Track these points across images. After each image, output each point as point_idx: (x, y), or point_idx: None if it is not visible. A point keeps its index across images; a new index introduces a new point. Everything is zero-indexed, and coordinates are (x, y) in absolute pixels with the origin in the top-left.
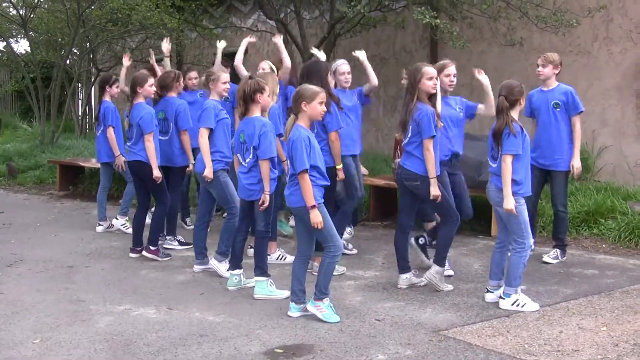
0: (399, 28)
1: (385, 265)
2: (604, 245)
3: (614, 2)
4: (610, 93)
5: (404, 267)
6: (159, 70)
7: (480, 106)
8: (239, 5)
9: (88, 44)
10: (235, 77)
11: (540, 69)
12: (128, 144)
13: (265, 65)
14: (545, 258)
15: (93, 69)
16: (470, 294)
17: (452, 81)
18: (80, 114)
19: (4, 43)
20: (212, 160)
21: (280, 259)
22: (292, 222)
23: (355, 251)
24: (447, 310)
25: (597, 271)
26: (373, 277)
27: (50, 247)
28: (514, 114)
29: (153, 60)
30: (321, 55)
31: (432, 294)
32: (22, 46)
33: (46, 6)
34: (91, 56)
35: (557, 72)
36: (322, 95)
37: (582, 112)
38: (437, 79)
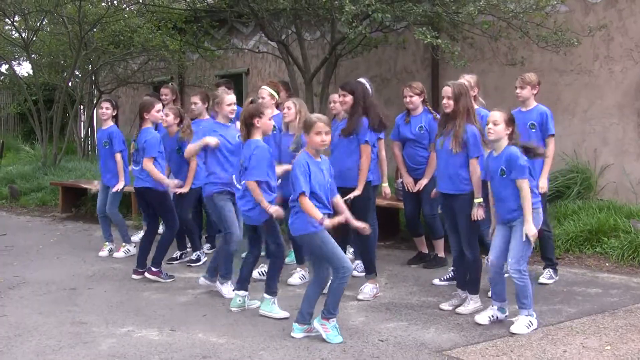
0: (400, 48)
1: (389, 286)
2: (607, 264)
3: (614, 21)
4: (611, 112)
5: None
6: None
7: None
8: (240, 26)
9: (90, 66)
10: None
11: (518, 90)
12: (135, 168)
13: (265, 94)
14: (541, 280)
15: (95, 91)
16: (473, 314)
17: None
18: (82, 136)
19: (7, 65)
20: (207, 183)
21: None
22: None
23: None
24: (451, 330)
25: (600, 290)
26: (376, 297)
27: (52, 269)
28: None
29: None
30: None
31: (435, 315)
32: (24, 69)
33: (48, 29)
34: (93, 78)
35: (535, 92)
36: (319, 126)
37: (552, 134)
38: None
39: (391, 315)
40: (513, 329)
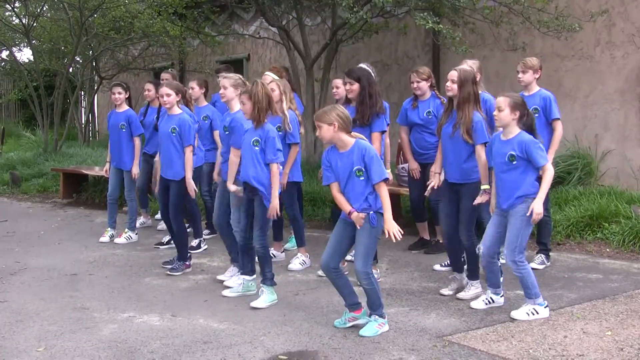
0: (401, 34)
1: (390, 271)
2: (608, 250)
3: (615, 7)
4: (612, 97)
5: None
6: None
7: None
8: (241, 12)
9: (91, 52)
10: None
11: (520, 75)
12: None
13: (269, 80)
14: (532, 264)
15: (96, 77)
16: (474, 299)
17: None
18: (83, 122)
19: (7, 52)
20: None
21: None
22: None
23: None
24: (451, 316)
25: (601, 275)
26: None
27: (53, 255)
28: None
29: None
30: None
31: (436, 300)
32: (25, 55)
33: (49, 15)
34: (94, 64)
35: (537, 76)
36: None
37: (558, 118)
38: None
39: (392, 301)
40: (513, 313)
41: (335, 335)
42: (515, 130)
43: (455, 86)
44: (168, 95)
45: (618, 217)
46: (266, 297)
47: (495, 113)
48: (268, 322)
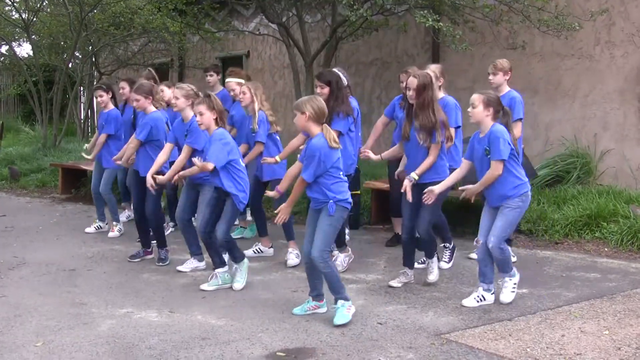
0: (401, 32)
1: (387, 269)
2: (606, 249)
3: (615, 6)
4: (612, 96)
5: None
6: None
7: None
8: (241, 9)
9: (90, 47)
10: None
11: (491, 77)
12: None
13: (233, 85)
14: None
15: (95, 73)
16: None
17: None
18: (82, 117)
19: (7, 47)
20: None
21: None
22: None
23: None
24: (449, 314)
25: (599, 275)
26: (375, 280)
27: (52, 250)
28: None
29: None
30: None
31: (434, 298)
32: (24, 50)
33: (49, 10)
34: (93, 60)
35: (507, 78)
36: None
37: (521, 119)
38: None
39: (390, 299)
40: (502, 298)
41: (333, 332)
42: (489, 126)
43: (412, 93)
44: (137, 100)
45: (616, 216)
46: (242, 273)
47: (469, 109)
48: (266, 319)
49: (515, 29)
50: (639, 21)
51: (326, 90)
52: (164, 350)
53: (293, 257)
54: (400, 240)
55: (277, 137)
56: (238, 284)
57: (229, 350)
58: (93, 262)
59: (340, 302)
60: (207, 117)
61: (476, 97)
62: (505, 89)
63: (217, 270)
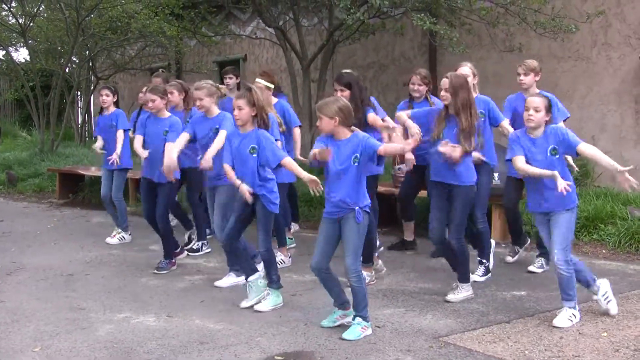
0: (398, 35)
1: (386, 272)
2: (604, 251)
3: (612, 8)
4: (609, 98)
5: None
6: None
7: None
8: (238, 13)
9: (87, 52)
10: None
11: (522, 77)
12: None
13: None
14: (531, 268)
15: (92, 77)
16: (470, 301)
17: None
18: (79, 122)
19: (4, 51)
20: None
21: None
22: None
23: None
24: (447, 317)
25: (597, 277)
26: (373, 283)
27: (50, 255)
28: None
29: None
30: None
31: (432, 301)
32: (21, 55)
33: (45, 15)
34: (90, 64)
35: (537, 79)
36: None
37: (567, 117)
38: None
39: (388, 302)
40: (556, 322)
41: (332, 336)
42: (542, 130)
43: (449, 95)
44: (153, 100)
45: (614, 218)
46: (271, 300)
47: (530, 113)
48: (264, 323)
49: (512, 31)
50: (635, 23)
51: (347, 93)
52: (162, 355)
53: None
54: (406, 246)
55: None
56: (261, 306)
57: (227, 355)
58: (91, 267)
59: (358, 319)
60: (246, 113)
61: (539, 101)
62: (536, 90)
63: (250, 279)
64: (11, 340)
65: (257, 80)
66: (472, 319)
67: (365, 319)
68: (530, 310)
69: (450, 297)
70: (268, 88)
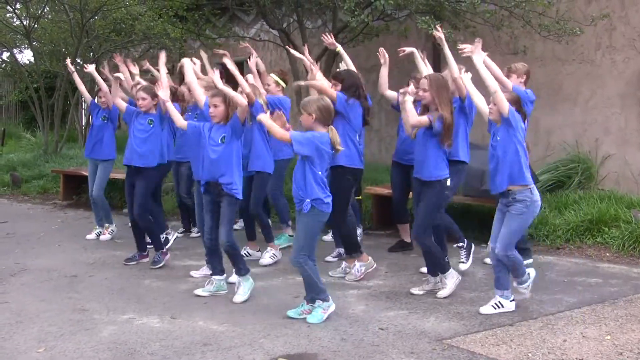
0: (402, 37)
1: (389, 274)
2: (607, 254)
3: (616, 11)
4: (613, 101)
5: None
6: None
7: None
8: (242, 15)
9: (91, 54)
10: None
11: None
12: None
13: (271, 81)
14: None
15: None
16: (473, 303)
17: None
18: (83, 123)
19: (8, 53)
20: None
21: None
22: None
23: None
24: (451, 319)
25: (600, 280)
26: (376, 285)
27: (53, 257)
28: None
29: (156, 68)
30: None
31: (435, 303)
32: (25, 56)
33: (50, 16)
34: (94, 66)
35: (522, 81)
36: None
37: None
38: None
39: (391, 304)
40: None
41: (334, 338)
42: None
43: (427, 94)
44: (143, 99)
45: (618, 221)
46: (244, 287)
47: (490, 106)
48: (267, 325)
49: (516, 34)
50: None
51: (339, 87)
52: (166, 356)
53: (267, 257)
54: (404, 246)
55: None
56: (238, 297)
57: (230, 356)
58: (94, 269)
59: (318, 301)
60: (221, 110)
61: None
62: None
63: (214, 277)
64: (15, 341)
65: (271, 74)
66: (476, 321)
67: (324, 300)
68: (533, 313)
69: (441, 293)
70: (277, 83)
